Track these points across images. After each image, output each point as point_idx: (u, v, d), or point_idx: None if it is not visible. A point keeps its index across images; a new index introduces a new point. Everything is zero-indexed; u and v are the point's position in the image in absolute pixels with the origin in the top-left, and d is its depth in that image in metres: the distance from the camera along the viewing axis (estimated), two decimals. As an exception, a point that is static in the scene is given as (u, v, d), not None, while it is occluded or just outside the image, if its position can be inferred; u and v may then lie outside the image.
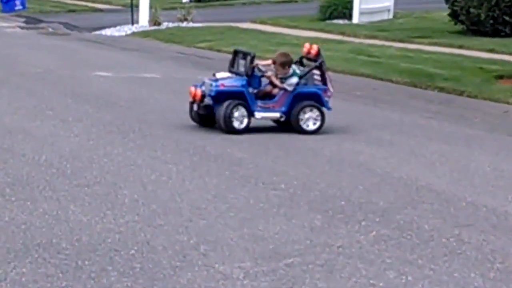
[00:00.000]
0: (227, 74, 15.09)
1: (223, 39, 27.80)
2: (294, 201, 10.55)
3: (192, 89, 14.56)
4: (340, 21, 31.05)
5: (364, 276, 7.60)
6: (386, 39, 26.88)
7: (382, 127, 15.10)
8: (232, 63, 15.37)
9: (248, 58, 14.86)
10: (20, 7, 38.74)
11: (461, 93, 18.36)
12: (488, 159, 12.53)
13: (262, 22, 31.68)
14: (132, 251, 8.12)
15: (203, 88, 14.58)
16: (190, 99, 14.67)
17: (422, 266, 7.75)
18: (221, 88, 14.52)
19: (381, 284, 7.36)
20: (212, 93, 14.39)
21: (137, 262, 7.88)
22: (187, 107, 15.99)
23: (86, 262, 7.65)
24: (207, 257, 8.11)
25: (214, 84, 14.52)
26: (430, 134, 14.41)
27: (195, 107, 14.63)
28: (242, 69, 14.93)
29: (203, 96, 14.41)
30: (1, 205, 9.84)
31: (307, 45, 15.70)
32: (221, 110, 14.24)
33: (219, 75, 15.01)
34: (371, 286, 7.41)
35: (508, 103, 17.15)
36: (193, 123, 15.09)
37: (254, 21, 31.80)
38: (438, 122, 15.67)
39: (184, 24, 31.70)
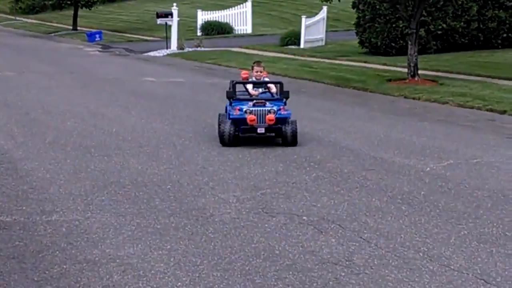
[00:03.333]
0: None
1: (222, 57, 27.64)
2: None
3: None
4: (293, 47, 30.85)
5: None
6: (321, 57, 26.81)
7: (318, 111, 15.04)
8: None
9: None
10: (98, 39, 38.63)
11: (366, 90, 18.31)
12: (382, 129, 12.51)
13: (246, 48, 31.47)
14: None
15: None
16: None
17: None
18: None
19: None
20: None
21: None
22: (203, 100, 15.90)
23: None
24: None
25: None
26: (349, 115, 14.30)
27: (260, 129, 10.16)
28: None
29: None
30: (89, 158, 9.89)
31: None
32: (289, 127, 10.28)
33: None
34: None
35: (394, 95, 17.18)
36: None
37: (240, 47, 31.63)
38: (352, 107, 15.63)
39: (198, 49, 31.52)
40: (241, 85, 11.14)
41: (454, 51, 25.96)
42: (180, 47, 32.06)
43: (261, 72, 11.08)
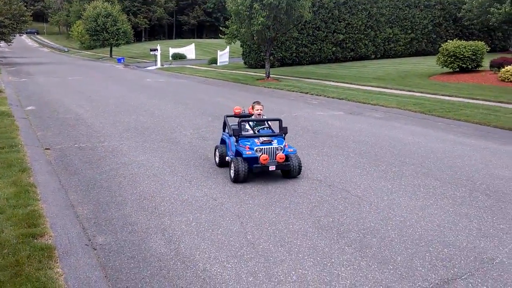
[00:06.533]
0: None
1: (181, 70, 26.49)
2: None
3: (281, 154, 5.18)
4: (214, 65, 30.04)
5: None
6: (226, 69, 26.15)
7: (225, 94, 14.71)
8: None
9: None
10: (122, 61, 36.16)
11: (247, 84, 17.99)
12: (276, 106, 12.45)
13: (192, 65, 30.37)
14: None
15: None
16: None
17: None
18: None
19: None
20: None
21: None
22: (173, 89, 15.01)
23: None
24: None
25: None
26: (240, 95, 13.97)
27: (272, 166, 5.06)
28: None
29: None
30: (120, 116, 9.34)
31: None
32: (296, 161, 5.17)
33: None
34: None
35: (259, 86, 17.02)
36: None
37: (190, 65, 30.54)
38: (240, 91, 15.29)
39: (170, 65, 30.23)
40: (232, 118, 5.98)
41: (285, 66, 25.98)
42: (161, 65, 30.67)
43: (261, 110, 5.63)
